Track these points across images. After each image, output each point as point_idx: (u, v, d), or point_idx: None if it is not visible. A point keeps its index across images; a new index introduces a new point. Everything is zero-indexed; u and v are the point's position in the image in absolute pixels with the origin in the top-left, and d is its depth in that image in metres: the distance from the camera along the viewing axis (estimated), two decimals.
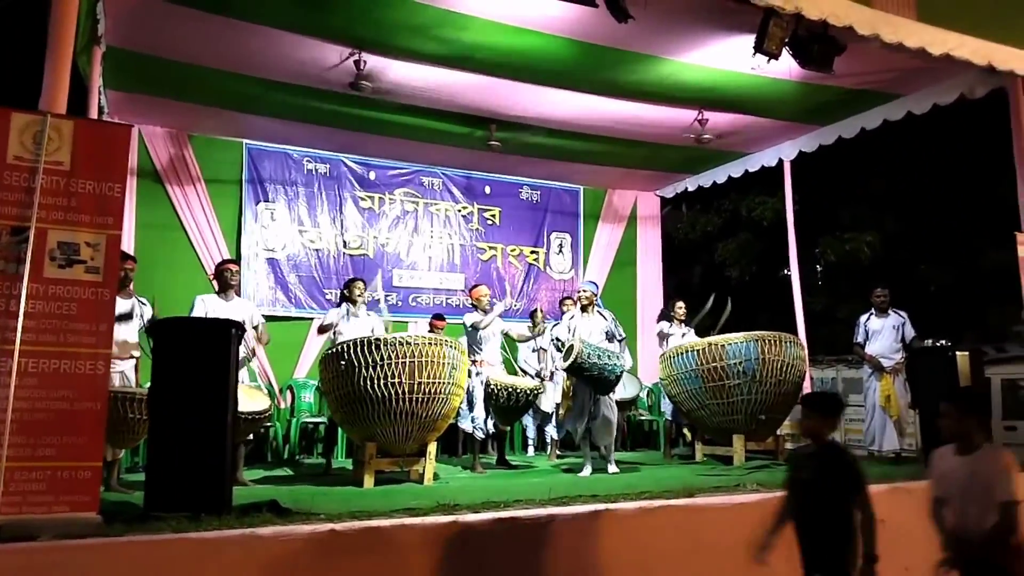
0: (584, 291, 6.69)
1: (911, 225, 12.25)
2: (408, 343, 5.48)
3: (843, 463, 3.16)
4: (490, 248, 9.61)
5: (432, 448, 5.75)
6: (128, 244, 7.20)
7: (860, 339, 7.33)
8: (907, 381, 6.99)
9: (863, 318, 7.37)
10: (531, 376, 7.98)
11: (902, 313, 7.25)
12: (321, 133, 8.11)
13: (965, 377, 5.97)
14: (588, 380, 6.24)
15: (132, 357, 5.41)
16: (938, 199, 12.15)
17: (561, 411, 6.89)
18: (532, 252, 9.88)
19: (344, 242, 8.77)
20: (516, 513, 3.78)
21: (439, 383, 5.52)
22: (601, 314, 6.61)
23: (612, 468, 6.29)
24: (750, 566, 4.10)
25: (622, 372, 6.28)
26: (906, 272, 11.88)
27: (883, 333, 7.19)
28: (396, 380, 5.35)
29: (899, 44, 5.49)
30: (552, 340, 7.01)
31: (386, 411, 5.38)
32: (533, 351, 8.32)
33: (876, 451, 7.08)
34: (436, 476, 5.81)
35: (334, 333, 6.45)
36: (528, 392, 6.71)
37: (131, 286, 5.52)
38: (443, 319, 7.88)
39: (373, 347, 5.39)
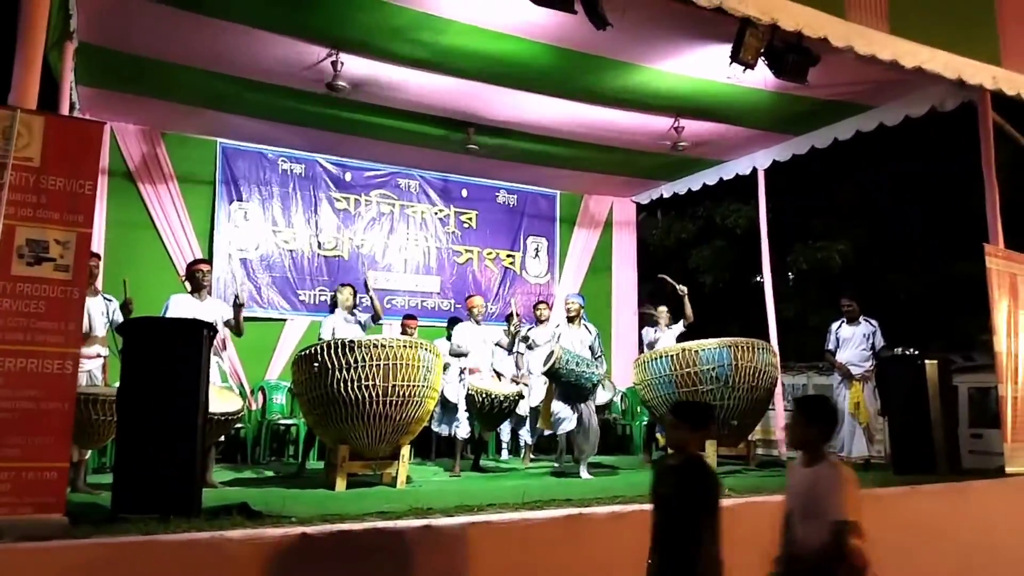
0: (573, 303, 6.96)
1: (882, 234, 12.43)
2: (383, 345, 5.46)
3: (700, 480, 2.95)
4: (466, 251, 9.61)
5: (405, 451, 5.73)
6: (99, 242, 7.10)
7: (831, 346, 7.43)
8: (876, 389, 7.09)
9: (834, 326, 7.48)
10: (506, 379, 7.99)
11: (873, 322, 7.36)
12: (297, 133, 8.06)
13: (933, 385, 6.08)
14: (565, 386, 6.33)
15: (99, 356, 5.34)
16: (909, 209, 12.35)
17: (540, 418, 6.93)
18: (508, 256, 9.89)
19: (319, 243, 8.72)
20: (490, 517, 3.77)
21: (413, 386, 5.50)
22: (587, 327, 6.74)
23: (584, 474, 6.32)
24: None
25: (599, 381, 6.39)
26: (876, 280, 12.05)
27: (853, 341, 7.31)
28: (370, 383, 5.33)
29: (872, 56, 5.57)
30: (527, 341, 7.08)
31: (360, 413, 5.35)
32: (509, 354, 8.32)
33: (845, 457, 7.16)
34: (409, 479, 5.79)
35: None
36: (508, 398, 6.73)
37: (97, 283, 5.44)
38: (415, 319, 7.87)
39: (347, 349, 5.37)
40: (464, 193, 9.66)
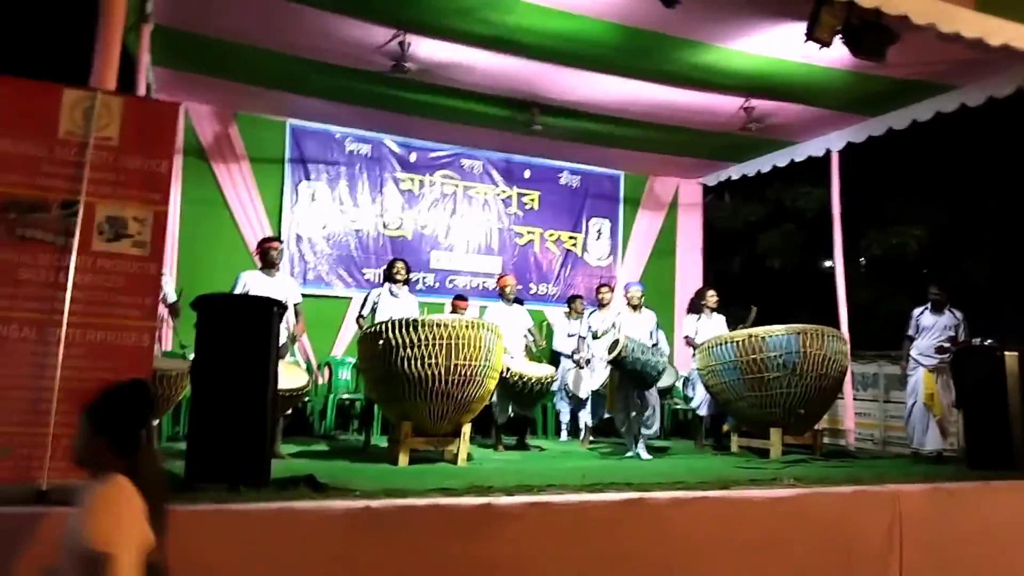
0: (636, 292, 6.99)
1: (961, 220, 11.94)
2: (446, 325, 5.51)
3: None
4: (528, 232, 9.59)
5: (466, 429, 5.78)
6: (174, 220, 7.35)
7: (911, 332, 7.20)
8: (952, 380, 6.85)
9: (916, 311, 7.22)
10: (568, 358, 8.01)
11: (959, 313, 7.07)
12: (363, 114, 8.15)
13: (1013, 377, 5.84)
14: (630, 375, 6.35)
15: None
16: (990, 194, 11.82)
17: (609, 407, 6.96)
18: (570, 237, 9.83)
19: (384, 223, 8.82)
20: (549, 498, 3.78)
21: (475, 365, 5.54)
22: (649, 314, 6.74)
23: (644, 455, 6.33)
24: (781, 567, 4.09)
25: (663, 370, 6.35)
26: (953, 268, 11.60)
27: (934, 330, 7.05)
28: (433, 361, 5.39)
29: (956, 34, 5.32)
30: (588, 329, 7.08)
31: (422, 391, 5.42)
32: (569, 336, 8.31)
33: (918, 449, 6.97)
34: (470, 457, 5.85)
35: (373, 313, 6.55)
36: (536, 380, 6.78)
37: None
38: (466, 299, 7.92)
39: (411, 328, 5.44)
40: (527, 174, 9.63)
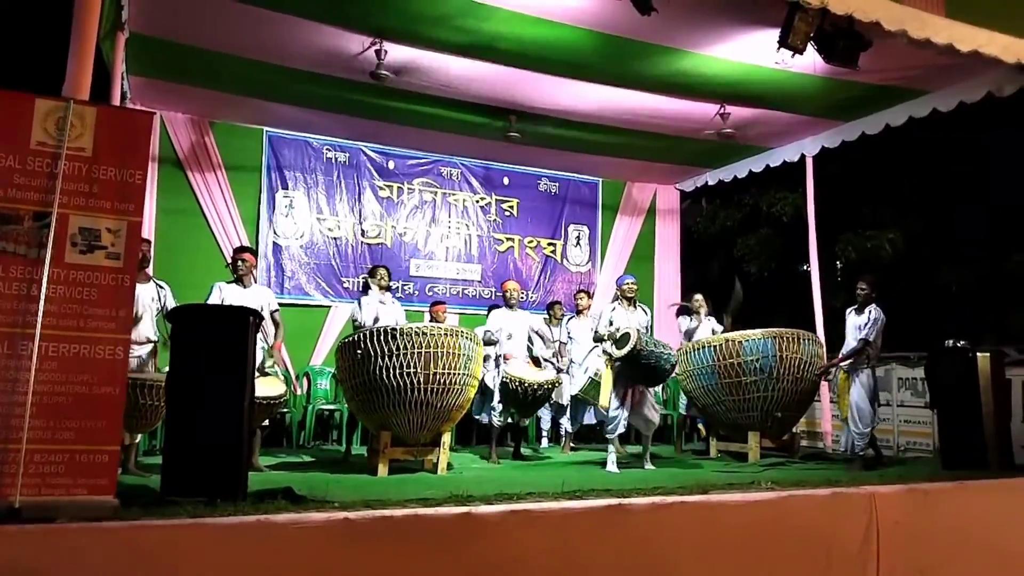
0: (631, 284, 6.59)
1: (934, 224, 12.08)
2: (424, 333, 5.50)
3: None
4: (507, 239, 9.61)
5: (446, 438, 5.78)
6: (148, 230, 7.27)
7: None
8: (924, 381, 6.90)
9: (848, 311, 6.87)
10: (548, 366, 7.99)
11: (875, 312, 6.58)
12: (341, 121, 8.13)
13: (985, 378, 5.91)
14: (643, 369, 6.08)
15: (148, 342, 5.47)
16: (962, 199, 11.98)
17: (603, 402, 6.77)
18: (549, 244, 9.86)
19: (362, 231, 8.80)
20: (529, 506, 3.77)
21: (454, 374, 5.54)
22: (643, 309, 6.59)
23: (648, 465, 6.26)
24: (760, 566, 4.12)
25: (675, 364, 6.21)
26: (928, 272, 11.74)
27: (850, 330, 6.67)
28: (412, 370, 5.38)
29: (927, 40, 5.40)
30: (607, 328, 6.67)
31: (401, 400, 5.40)
32: (551, 342, 8.31)
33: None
34: (450, 466, 5.84)
35: (375, 321, 6.43)
36: (543, 386, 6.70)
37: (148, 269, 5.56)
38: (443, 304, 7.90)
39: (390, 336, 5.42)
40: (505, 181, 9.65)
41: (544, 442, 8.42)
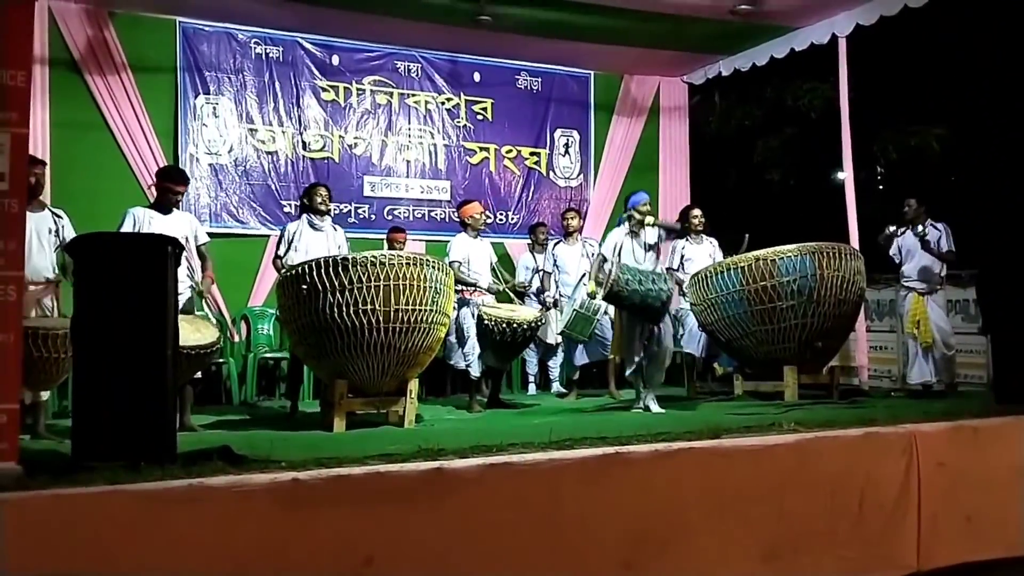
0: (645, 203, 6.62)
1: (991, 118, 12.07)
2: (383, 263, 5.49)
3: None
4: (480, 149, 9.54)
5: (413, 386, 5.83)
6: (42, 147, 7.15)
7: (892, 253, 7.58)
8: (976, 303, 7.10)
9: (899, 233, 7.55)
10: (533, 298, 8.06)
11: (939, 226, 7.39)
12: (271, 7, 7.93)
13: None
14: (631, 310, 6.32)
15: (47, 282, 5.44)
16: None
17: (612, 350, 6.93)
18: (532, 153, 9.80)
19: (303, 143, 8.70)
20: (511, 458, 3.84)
21: (420, 310, 5.55)
22: (663, 227, 6.65)
23: (655, 407, 6.38)
24: (780, 520, 4.24)
25: (669, 297, 6.29)
26: (982, 175, 11.78)
27: (914, 251, 7.42)
28: (369, 307, 5.39)
29: None
30: (599, 256, 6.77)
31: (357, 343, 5.43)
32: (534, 272, 8.37)
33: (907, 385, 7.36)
34: (419, 418, 5.91)
35: (293, 251, 6.48)
36: (528, 325, 6.77)
37: (43, 196, 5.50)
38: (403, 231, 7.90)
39: (340, 268, 5.41)
40: (477, 77, 9.53)
41: (532, 388, 8.54)
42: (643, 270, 6.31)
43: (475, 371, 6.92)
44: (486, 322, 6.65)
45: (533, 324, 6.85)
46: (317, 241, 6.55)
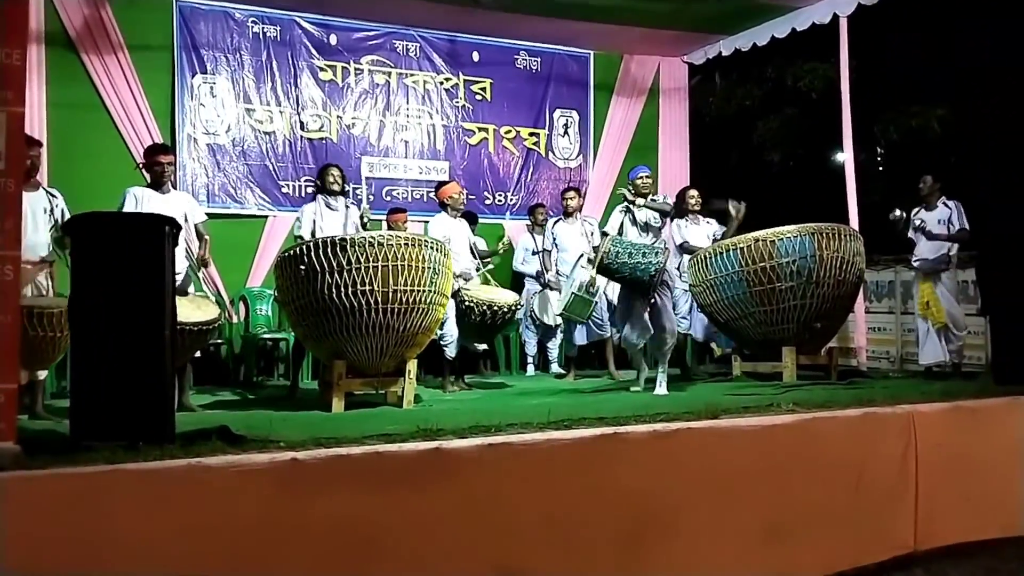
0: (646, 177, 6.76)
1: (993, 99, 12.01)
2: (381, 244, 5.48)
3: None
4: (479, 129, 9.51)
5: (412, 366, 5.83)
6: (39, 128, 7.12)
7: (910, 233, 7.59)
8: (976, 284, 7.10)
9: (914, 212, 7.57)
10: (533, 279, 8.08)
11: (951, 204, 7.41)
12: None
13: None
14: (623, 284, 6.41)
15: (43, 262, 5.44)
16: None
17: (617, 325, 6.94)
18: (531, 134, 9.77)
19: (301, 123, 8.66)
20: (509, 438, 3.85)
21: (419, 291, 5.55)
22: (652, 208, 6.65)
23: (661, 389, 6.31)
24: (779, 501, 4.26)
25: (656, 271, 6.24)
26: (984, 154, 11.73)
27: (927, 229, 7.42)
28: (367, 287, 5.38)
29: None
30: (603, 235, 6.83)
31: (356, 324, 5.43)
32: (534, 253, 8.36)
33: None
34: (418, 398, 5.92)
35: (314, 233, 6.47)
36: (507, 308, 6.84)
37: (39, 176, 5.49)
38: (404, 212, 7.89)
39: (338, 248, 5.40)
40: (475, 57, 9.48)
41: (530, 369, 8.55)
42: (635, 244, 6.34)
43: (450, 352, 6.92)
44: (467, 304, 6.69)
45: (513, 307, 6.93)
46: (333, 220, 6.56)
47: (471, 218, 7.85)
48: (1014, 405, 5.21)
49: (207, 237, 6.03)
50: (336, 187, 6.68)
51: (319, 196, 6.74)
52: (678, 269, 7.66)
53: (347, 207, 6.76)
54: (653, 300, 6.34)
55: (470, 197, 8.70)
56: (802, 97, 12.75)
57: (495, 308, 6.72)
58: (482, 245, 7.87)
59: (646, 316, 6.33)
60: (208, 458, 3.39)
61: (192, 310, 5.41)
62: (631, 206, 6.60)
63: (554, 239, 7.98)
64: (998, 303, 6.36)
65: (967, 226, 7.28)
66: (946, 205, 7.40)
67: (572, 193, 8.15)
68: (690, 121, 10.59)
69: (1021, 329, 6.02)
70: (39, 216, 5.39)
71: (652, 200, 6.67)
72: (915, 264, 7.57)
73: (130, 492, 3.17)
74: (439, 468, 3.64)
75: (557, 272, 7.90)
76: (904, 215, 7.56)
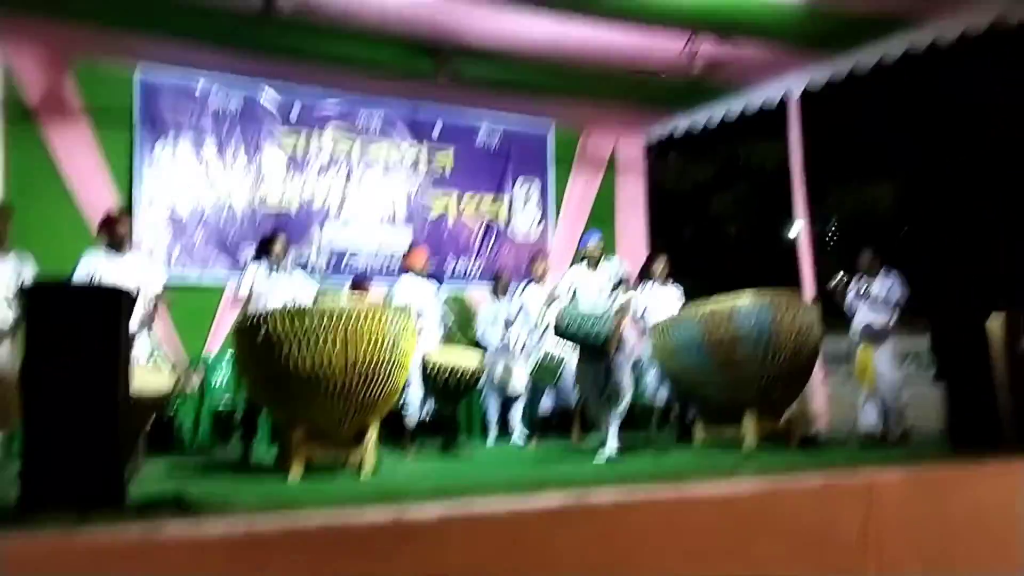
0: (596, 243, 6.83)
1: (936, 173, 12.41)
2: (341, 313, 5.42)
3: None
4: (443, 196, 9.59)
5: (372, 433, 5.73)
6: None
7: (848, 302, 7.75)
8: (931, 351, 7.22)
9: (856, 278, 7.75)
10: (496, 348, 8.03)
11: (892, 273, 7.62)
12: (230, 57, 7.96)
13: (999, 345, 6.09)
14: (580, 350, 6.52)
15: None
16: (969, 143, 12.31)
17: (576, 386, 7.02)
18: (494, 201, 9.88)
19: (262, 192, 8.67)
20: (471, 507, 3.79)
21: (380, 359, 5.48)
22: (607, 265, 6.74)
23: (612, 444, 6.28)
24: (747, 564, 4.22)
25: (606, 338, 6.28)
26: (931, 227, 12.06)
27: (868, 299, 7.62)
28: (327, 359, 5.30)
29: None
30: (551, 296, 6.97)
31: (316, 394, 5.34)
32: (493, 324, 8.32)
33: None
34: (378, 465, 5.80)
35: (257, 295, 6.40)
36: (472, 373, 6.82)
37: (6, 243, 5.45)
38: (365, 282, 7.86)
39: (298, 317, 5.34)
40: (438, 127, 9.60)
41: (491, 438, 8.43)
42: (584, 313, 6.39)
43: (411, 421, 6.85)
44: (429, 368, 6.64)
45: (476, 372, 6.89)
46: (280, 289, 6.46)
47: (438, 278, 7.85)
48: (973, 472, 5.24)
49: (163, 304, 5.96)
50: (282, 254, 6.56)
51: (263, 259, 6.61)
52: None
53: (290, 274, 6.64)
54: (608, 366, 6.39)
55: (433, 258, 8.75)
56: (755, 173, 13.06)
57: (458, 373, 6.67)
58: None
59: (602, 376, 6.38)
60: (161, 530, 3.29)
61: (150, 378, 5.31)
62: (594, 265, 6.72)
63: (521, 306, 7.99)
64: (953, 370, 6.42)
65: (907, 294, 7.48)
66: (887, 275, 7.56)
67: (541, 258, 8.21)
68: (648, 194, 10.78)
69: (975, 395, 6.10)
70: (8, 283, 5.34)
71: (616, 275, 6.74)
72: (859, 331, 7.65)
73: (80, 562, 3.05)
74: (399, 537, 3.56)
75: (523, 346, 7.88)
76: (846, 278, 7.70)
